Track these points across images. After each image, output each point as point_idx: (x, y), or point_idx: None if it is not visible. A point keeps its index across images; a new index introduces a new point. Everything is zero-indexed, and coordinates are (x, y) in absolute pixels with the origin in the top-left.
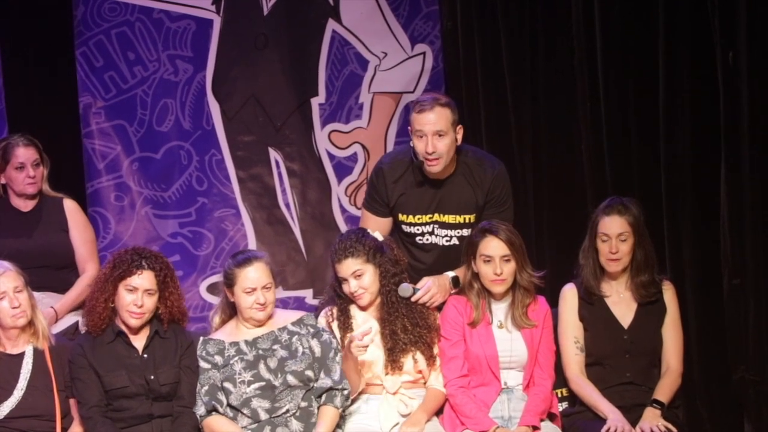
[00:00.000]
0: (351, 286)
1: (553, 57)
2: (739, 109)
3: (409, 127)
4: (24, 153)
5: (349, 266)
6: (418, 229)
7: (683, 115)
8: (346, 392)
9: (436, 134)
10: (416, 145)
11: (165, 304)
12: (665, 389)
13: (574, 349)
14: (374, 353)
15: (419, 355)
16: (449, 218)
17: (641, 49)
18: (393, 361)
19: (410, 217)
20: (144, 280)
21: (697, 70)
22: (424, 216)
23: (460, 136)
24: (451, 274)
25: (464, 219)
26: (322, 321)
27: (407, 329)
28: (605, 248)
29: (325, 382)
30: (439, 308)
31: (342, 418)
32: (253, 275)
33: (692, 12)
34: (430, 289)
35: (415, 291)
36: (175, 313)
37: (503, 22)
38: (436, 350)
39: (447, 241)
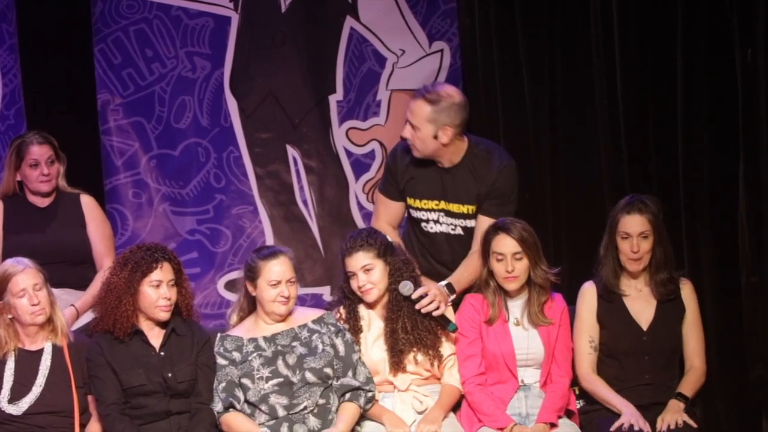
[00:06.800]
0: (359, 281)
1: (571, 53)
2: (758, 106)
3: None
4: (38, 150)
5: (359, 260)
6: (424, 215)
7: (701, 113)
8: (370, 395)
9: (409, 123)
10: None
11: (181, 293)
12: (690, 385)
13: (588, 348)
14: (378, 355)
15: (420, 356)
16: (454, 207)
17: (659, 46)
18: (395, 362)
19: (417, 201)
20: (165, 271)
21: (715, 67)
22: (430, 202)
23: (444, 136)
24: (444, 282)
25: (467, 209)
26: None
27: (407, 329)
28: (626, 247)
29: (351, 381)
30: (455, 308)
31: (361, 417)
32: (279, 268)
33: (711, 10)
34: (429, 290)
35: (415, 290)
36: (189, 304)
37: (521, 19)
38: (442, 350)
39: (452, 230)
